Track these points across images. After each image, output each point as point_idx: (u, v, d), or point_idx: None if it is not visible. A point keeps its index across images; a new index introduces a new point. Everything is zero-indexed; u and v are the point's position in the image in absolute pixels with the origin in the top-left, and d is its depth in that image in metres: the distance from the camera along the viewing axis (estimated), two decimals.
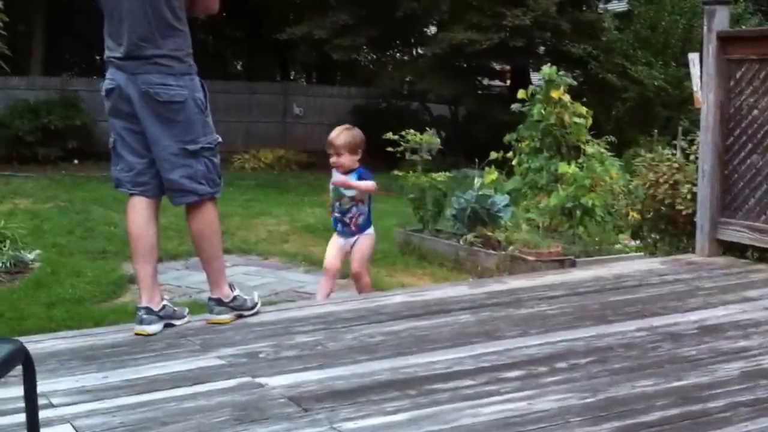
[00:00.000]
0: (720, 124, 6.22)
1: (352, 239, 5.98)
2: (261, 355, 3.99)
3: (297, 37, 21.18)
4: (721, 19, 6.18)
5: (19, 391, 2.62)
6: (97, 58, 33.46)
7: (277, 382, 3.59)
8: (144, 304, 4.44)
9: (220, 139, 4.58)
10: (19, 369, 2.54)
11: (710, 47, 6.22)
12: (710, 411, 3.25)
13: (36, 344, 4.04)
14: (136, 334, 4.34)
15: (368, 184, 5.88)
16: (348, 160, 5.85)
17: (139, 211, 4.51)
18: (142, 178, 4.47)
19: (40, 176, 17.74)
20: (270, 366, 3.83)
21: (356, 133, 5.98)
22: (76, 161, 20.76)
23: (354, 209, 5.92)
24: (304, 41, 21.28)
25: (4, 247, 8.28)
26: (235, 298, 4.66)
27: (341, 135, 5.92)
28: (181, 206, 4.61)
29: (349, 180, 5.83)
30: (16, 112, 21.07)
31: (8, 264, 8.07)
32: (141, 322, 4.37)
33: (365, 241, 6.01)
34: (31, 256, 8.53)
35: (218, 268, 4.64)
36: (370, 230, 6.04)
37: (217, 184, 4.55)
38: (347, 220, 5.95)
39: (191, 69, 4.44)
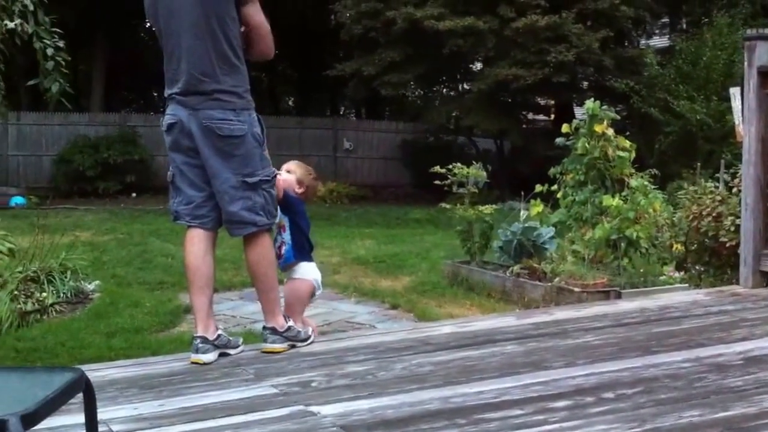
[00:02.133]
0: (762, 157, 6.14)
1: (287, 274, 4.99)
2: (313, 384, 3.98)
3: (347, 74, 21.36)
4: (761, 54, 6.11)
5: (80, 418, 2.65)
6: (155, 95, 33.92)
7: (329, 410, 3.58)
8: (200, 333, 4.44)
9: (276, 172, 4.62)
10: (80, 396, 2.57)
11: (751, 81, 6.16)
12: None
13: (96, 372, 4.07)
14: (192, 362, 4.36)
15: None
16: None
17: (196, 243, 4.53)
18: (200, 211, 4.49)
19: (99, 209, 17.99)
20: (322, 395, 3.82)
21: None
22: (134, 195, 21.04)
23: (277, 237, 4.85)
24: (353, 77, 21.44)
25: (66, 278, 8.38)
26: (289, 328, 4.66)
27: None
28: (237, 238, 4.61)
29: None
30: (77, 148, 21.43)
31: (69, 294, 8.16)
32: (197, 350, 4.38)
33: (287, 288, 4.95)
34: (91, 287, 8.62)
35: (273, 298, 4.63)
36: (297, 273, 4.89)
37: (273, 215, 4.58)
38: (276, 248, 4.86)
39: (250, 104, 4.46)
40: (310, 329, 4.85)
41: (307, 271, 4.88)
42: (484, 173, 10.48)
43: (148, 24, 31.00)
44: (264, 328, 4.65)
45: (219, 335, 4.52)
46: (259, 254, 4.53)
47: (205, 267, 4.53)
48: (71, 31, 13.79)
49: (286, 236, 4.89)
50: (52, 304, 7.81)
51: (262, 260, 4.55)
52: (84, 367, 2.83)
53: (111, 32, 26.05)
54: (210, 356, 4.38)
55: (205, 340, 4.43)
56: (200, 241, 4.53)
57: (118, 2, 23.89)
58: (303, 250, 4.87)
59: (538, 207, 9.66)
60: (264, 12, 4.60)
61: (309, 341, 4.74)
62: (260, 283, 4.58)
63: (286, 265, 4.89)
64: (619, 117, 10.38)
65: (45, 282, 8.12)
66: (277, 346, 4.55)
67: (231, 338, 4.66)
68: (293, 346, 4.62)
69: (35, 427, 2.27)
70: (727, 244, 6.64)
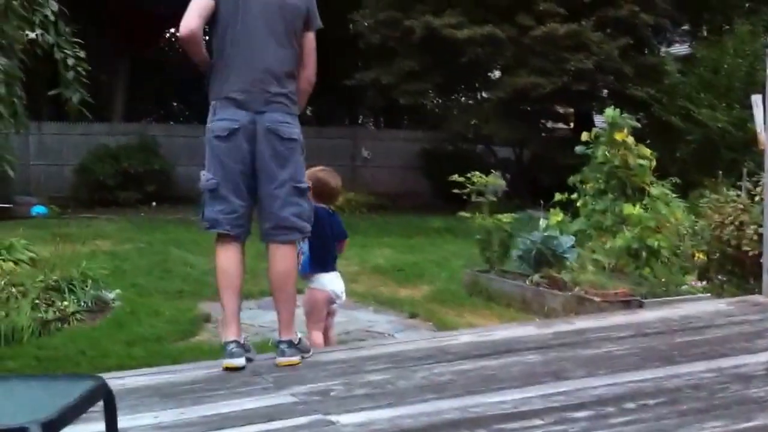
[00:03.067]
0: None
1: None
2: (332, 393, 3.98)
3: (365, 83, 21.37)
4: None
5: (100, 426, 2.66)
6: (175, 105, 34.07)
7: (348, 419, 3.58)
8: (233, 338, 4.49)
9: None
10: (100, 405, 2.58)
11: None
12: None
13: (116, 381, 4.08)
14: (226, 368, 4.37)
15: None
16: None
17: (232, 248, 4.59)
18: (240, 221, 4.56)
19: (120, 219, 18.05)
20: (341, 404, 3.82)
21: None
22: (154, 204, 21.11)
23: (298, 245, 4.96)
24: (372, 87, 21.44)
25: (86, 287, 8.41)
26: (300, 340, 4.68)
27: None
28: (251, 247, 4.70)
29: None
30: (97, 157, 21.53)
31: (90, 303, 8.19)
32: (232, 355, 4.40)
33: (306, 297, 5.33)
34: (111, 296, 8.65)
35: (293, 311, 4.67)
36: (315, 283, 5.26)
37: (307, 232, 4.70)
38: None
39: (298, 112, 4.68)
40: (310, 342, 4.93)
41: (325, 282, 5.07)
42: (503, 182, 10.46)
43: (170, 32, 31.20)
44: (280, 341, 4.64)
45: (245, 338, 4.64)
46: (289, 266, 4.61)
47: (239, 273, 4.61)
48: (92, 42, 13.86)
49: (305, 246, 5.08)
50: (72, 313, 7.84)
51: (291, 272, 4.63)
52: (105, 376, 2.84)
53: (132, 43, 26.18)
54: (242, 360, 4.44)
55: (238, 344, 4.50)
56: (236, 250, 4.61)
57: (140, 13, 24.06)
58: (320, 261, 5.07)
59: (557, 216, 9.63)
60: None
61: (311, 352, 4.77)
62: (284, 293, 4.62)
63: (303, 274, 5.05)
64: (639, 125, 10.33)
65: (66, 291, 8.16)
66: (295, 359, 4.57)
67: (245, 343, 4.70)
68: (303, 358, 4.62)
69: None
70: (750, 253, 6.62)
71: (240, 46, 4.54)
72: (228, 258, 4.59)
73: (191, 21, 4.42)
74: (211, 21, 4.57)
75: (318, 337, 5.25)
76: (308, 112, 35.94)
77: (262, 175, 4.49)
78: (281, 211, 4.50)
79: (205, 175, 4.57)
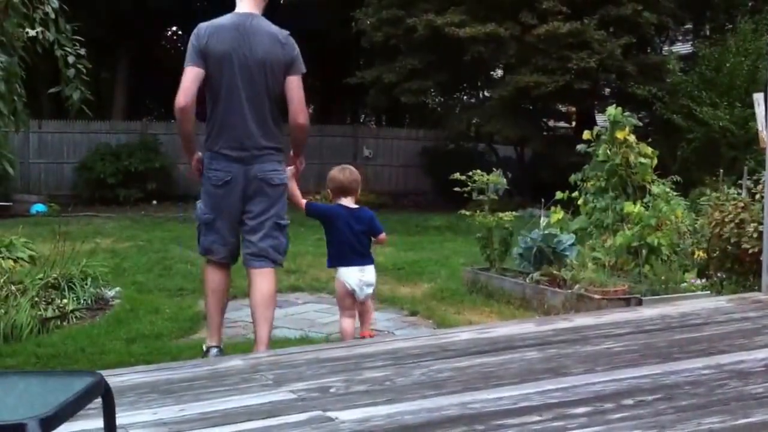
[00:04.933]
0: None
1: None
2: (332, 390, 4.00)
3: (367, 82, 21.38)
4: None
5: (99, 422, 2.67)
6: None
7: (347, 416, 3.60)
8: (215, 343, 5.35)
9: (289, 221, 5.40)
10: (99, 401, 2.59)
11: None
12: None
13: (115, 378, 4.10)
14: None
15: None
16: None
17: (221, 270, 5.33)
18: (231, 249, 5.31)
19: (120, 216, 18.07)
20: (340, 400, 3.83)
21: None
22: (155, 202, 21.13)
23: None
24: (374, 85, 21.45)
25: (86, 284, 8.42)
26: None
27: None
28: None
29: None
30: (98, 156, 21.56)
31: (90, 301, 8.20)
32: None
33: (335, 284, 5.83)
34: (111, 294, 8.66)
35: (269, 330, 5.29)
36: (338, 274, 5.69)
37: (281, 260, 5.41)
38: None
39: (283, 160, 5.26)
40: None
41: (341, 275, 5.57)
42: (504, 180, 10.44)
43: (169, 31, 31.21)
44: None
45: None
46: (272, 286, 5.27)
47: (226, 291, 5.43)
48: (93, 39, 13.87)
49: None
50: (72, 311, 7.85)
51: (273, 293, 5.28)
52: (104, 372, 2.85)
53: (133, 41, 26.20)
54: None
55: (219, 350, 5.33)
56: (224, 271, 5.35)
57: (141, 12, 24.08)
58: (337, 255, 5.59)
59: (558, 214, 9.63)
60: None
61: None
62: (267, 311, 5.24)
63: (329, 267, 5.78)
64: (641, 124, 10.36)
65: (66, 288, 8.16)
66: None
67: None
68: None
69: None
70: (750, 251, 6.63)
71: (227, 105, 5.05)
72: (215, 280, 5.32)
73: (185, 95, 4.99)
74: (203, 83, 5.06)
75: (347, 324, 5.68)
76: (310, 110, 36.02)
77: (251, 213, 5.14)
78: (261, 242, 5.16)
79: (201, 209, 5.27)
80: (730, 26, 20.83)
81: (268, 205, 5.13)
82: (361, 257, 5.61)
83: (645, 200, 8.91)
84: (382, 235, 5.81)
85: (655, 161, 9.31)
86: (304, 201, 5.63)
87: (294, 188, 5.54)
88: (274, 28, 5.18)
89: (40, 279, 8.18)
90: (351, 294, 5.60)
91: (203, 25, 5.10)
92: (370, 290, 5.70)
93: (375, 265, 5.80)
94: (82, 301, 8.10)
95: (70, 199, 20.41)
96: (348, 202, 5.66)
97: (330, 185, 5.69)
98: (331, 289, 9.74)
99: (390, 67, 20.49)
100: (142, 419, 3.60)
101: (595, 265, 8.45)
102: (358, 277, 5.57)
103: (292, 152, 5.48)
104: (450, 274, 10.29)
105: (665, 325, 5.36)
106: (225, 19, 5.15)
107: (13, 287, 7.94)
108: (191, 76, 5.00)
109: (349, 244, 5.56)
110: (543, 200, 10.63)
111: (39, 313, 7.56)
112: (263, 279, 5.22)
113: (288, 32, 5.22)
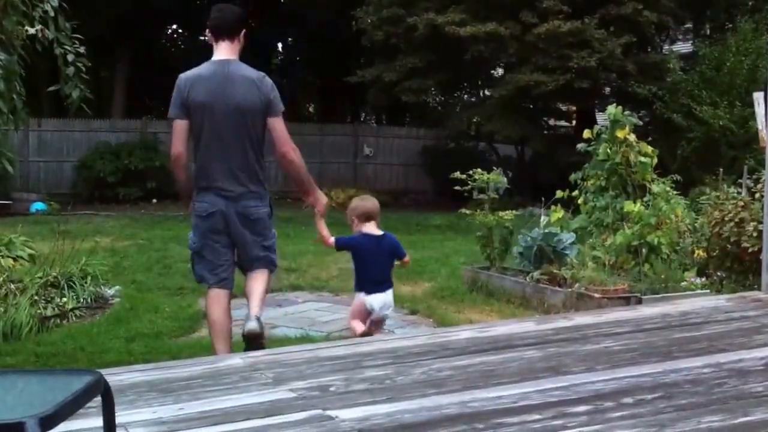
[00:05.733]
0: None
1: None
2: (331, 389, 3.99)
3: (368, 80, 21.38)
4: None
5: (98, 421, 2.67)
6: None
7: (347, 415, 3.60)
8: None
9: (276, 234, 5.80)
10: (98, 400, 2.59)
11: None
12: None
13: (115, 376, 4.09)
14: None
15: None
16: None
17: (219, 301, 5.54)
18: (224, 275, 5.56)
19: (120, 215, 18.07)
20: (340, 399, 3.83)
21: None
22: (154, 201, 21.11)
23: None
24: (374, 84, 21.44)
25: (86, 283, 8.42)
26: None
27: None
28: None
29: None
30: (98, 154, 21.55)
31: (89, 300, 8.20)
32: None
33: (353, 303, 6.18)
34: (111, 292, 8.66)
35: (262, 300, 5.62)
36: (356, 298, 6.04)
37: (275, 265, 5.82)
38: None
39: (267, 191, 5.61)
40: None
41: (361, 296, 5.89)
42: (505, 179, 10.45)
43: (169, 30, 31.22)
44: (257, 318, 5.42)
45: None
46: (261, 276, 5.64)
47: (227, 321, 5.54)
48: (93, 38, 13.87)
49: None
50: (72, 309, 7.85)
51: (263, 279, 5.64)
52: (103, 371, 2.85)
53: (133, 40, 26.19)
54: None
55: None
56: (222, 300, 5.55)
57: (141, 11, 24.06)
58: (359, 282, 5.94)
59: (558, 213, 9.64)
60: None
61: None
62: (263, 294, 5.62)
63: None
64: (641, 123, 10.36)
65: (65, 287, 8.16)
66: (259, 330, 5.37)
67: None
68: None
69: (53, 430, 2.29)
70: (749, 250, 6.63)
71: (210, 149, 5.42)
72: (216, 311, 5.52)
73: (177, 146, 5.47)
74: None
75: (356, 325, 5.93)
76: (311, 109, 36.02)
77: (236, 242, 5.55)
78: (252, 253, 5.58)
79: (191, 239, 5.63)
80: (730, 25, 20.83)
81: (250, 234, 5.52)
82: (382, 285, 5.92)
83: (645, 199, 8.91)
84: (407, 258, 6.23)
85: (655, 160, 9.31)
86: (332, 239, 5.93)
87: (321, 227, 5.86)
88: (250, 71, 5.46)
89: (40, 278, 8.18)
90: (368, 313, 5.90)
91: (183, 77, 5.44)
92: (388, 311, 6.03)
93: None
94: (81, 300, 8.11)
95: (69, 197, 20.39)
96: (371, 227, 5.99)
97: (355, 213, 6.01)
98: (331, 287, 9.81)
99: (390, 66, 20.48)
100: (142, 418, 3.60)
101: (595, 264, 8.46)
102: (379, 302, 5.87)
103: (302, 194, 5.84)
104: (450, 272, 10.29)
105: (665, 324, 5.36)
106: (203, 69, 5.48)
107: (12, 286, 7.94)
108: (179, 128, 5.44)
109: (372, 273, 5.93)
110: (543, 199, 10.63)
111: (38, 311, 7.56)
112: (257, 274, 5.62)
113: (264, 74, 5.52)
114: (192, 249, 5.65)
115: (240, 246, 5.59)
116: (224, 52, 5.48)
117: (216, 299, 5.56)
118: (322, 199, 5.77)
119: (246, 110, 5.38)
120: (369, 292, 5.87)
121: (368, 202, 6.23)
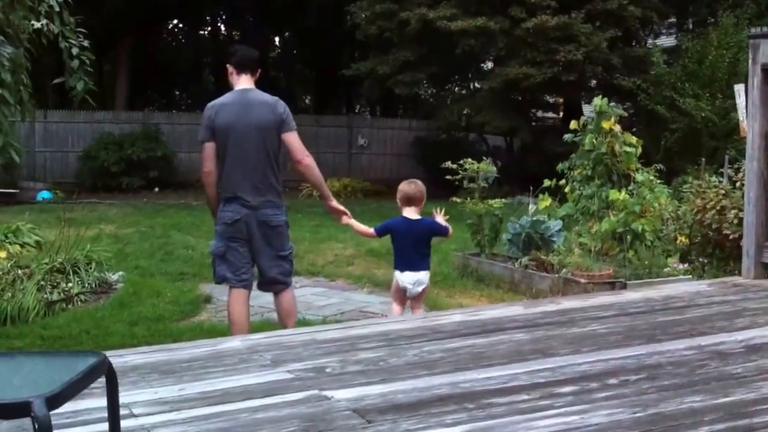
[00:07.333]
0: (765, 152, 6.11)
1: None
2: (327, 370, 3.99)
3: (362, 73, 21.37)
4: (765, 51, 6.07)
5: (102, 401, 2.67)
6: (177, 93, 33.99)
7: (343, 395, 3.60)
8: None
9: (294, 247, 6.18)
10: (102, 381, 2.59)
11: (755, 79, 6.12)
12: (756, 426, 3.19)
13: (118, 358, 4.08)
14: None
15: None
16: None
17: (240, 300, 5.91)
18: (244, 276, 5.91)
19: (123, 203, 18.04)
20: (336, 380, 3.83)
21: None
22: (156, 189, 21.11)
23: None
24: (368, 77, 21.43)
25: (90, 269, 8.42)
26: None
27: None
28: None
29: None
30: (102, 145, 21.52)
31: (94, 285, 8.21)
32: None
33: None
34: (114, 278, 8.67)
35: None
36: (394, 275, 6.35)
37: (292, 276, 6.15)
38: None
39: (284, 202, 6.00)
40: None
41: (397, 275, 6.26)
42: (494, 169, 10.46)
43: (170, 24, 31.14)
44: None
45: None
46: (290, 303, 6.05)
47: (246, 320, 5.94)
48: (97, 32, 13.85)
49: None
50: (77, 294, 7.86)
51: (293, 306, 6.09)
52: (107, 353, 2.85)
53: (135, 34, 26.12)
54: None
55: None
56: (242, 300, 5.92)
57: (142, 5, 23.98)
58: (397, 261, 6.29)
59: (546, 201, 9.65)
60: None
61: None
62: (290, 321, 6.02)
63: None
64: (626, 114, 10.34)
65: (70, 273, 8.16)
66: None
67: None
68: None
69: (59, 409, 2.29)
70: (730, 237, 6.63)
71: (233, 164, 5.82)
72: (237, 311, 5.88)
73: (207, 164, 5.92)
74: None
75: (395, 307, 6.36)
76: (307, 101, 35.98)
77: (254, 249, 5.88)
78: (269, 272, 5.94)
79: (214, 244, 5.97)
80: (712, 20, 20.82)
81: (270, 242, 5.87)
82: (416, 264, 6.26)
83: (630, 188, 8.93)
84: (449, 233, 6.65)
85: (640, 150, 9.32)
86: (371, 230, 6.35)
87: (356, 226, 6.34)
88: (266, 97, 5.98)
89: (46, 263, 8.18)
90: (403, 291, 6.25)
91: (209, 105, 5.97)
92: (419, 288, 6.25)
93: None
94: (86, 285, 8.11)
95: (74, 186, 20.32)
96: (412, 211, 6.35)
97: (398, 196, 6.45)
98: (327, 273, 9.83)
99: (384, 60, 20.46)
100: (144, 398, 3.60)
101: (582, 250, 8.48)
102: (410, 279, 6.20)
103: (324, 201, 6.29)
104: (442, 259, 10.30)
105: (649, 308, 5.36)
106: (227, 97, 5.99)
107: (19, 271, 7.94)
108: (208, 149, 5.91)
109: (406, 254, 6.27)
110: (531, 188, 10.64)
111: (45, 296, 7.57)
112: (284, 296, 6.01)
113: (277, 98, 6.01)
114: (214, 253, 5.98)
115: (258, 254, 5.91)
116: (245, 83, 6.00)
117: (237, 298, 5.90)
118: (338, 208, 6.23)
119: (263, 128, 5.84)
120: (402, 270, 6.23)
121: (409, 186, 6.50)
